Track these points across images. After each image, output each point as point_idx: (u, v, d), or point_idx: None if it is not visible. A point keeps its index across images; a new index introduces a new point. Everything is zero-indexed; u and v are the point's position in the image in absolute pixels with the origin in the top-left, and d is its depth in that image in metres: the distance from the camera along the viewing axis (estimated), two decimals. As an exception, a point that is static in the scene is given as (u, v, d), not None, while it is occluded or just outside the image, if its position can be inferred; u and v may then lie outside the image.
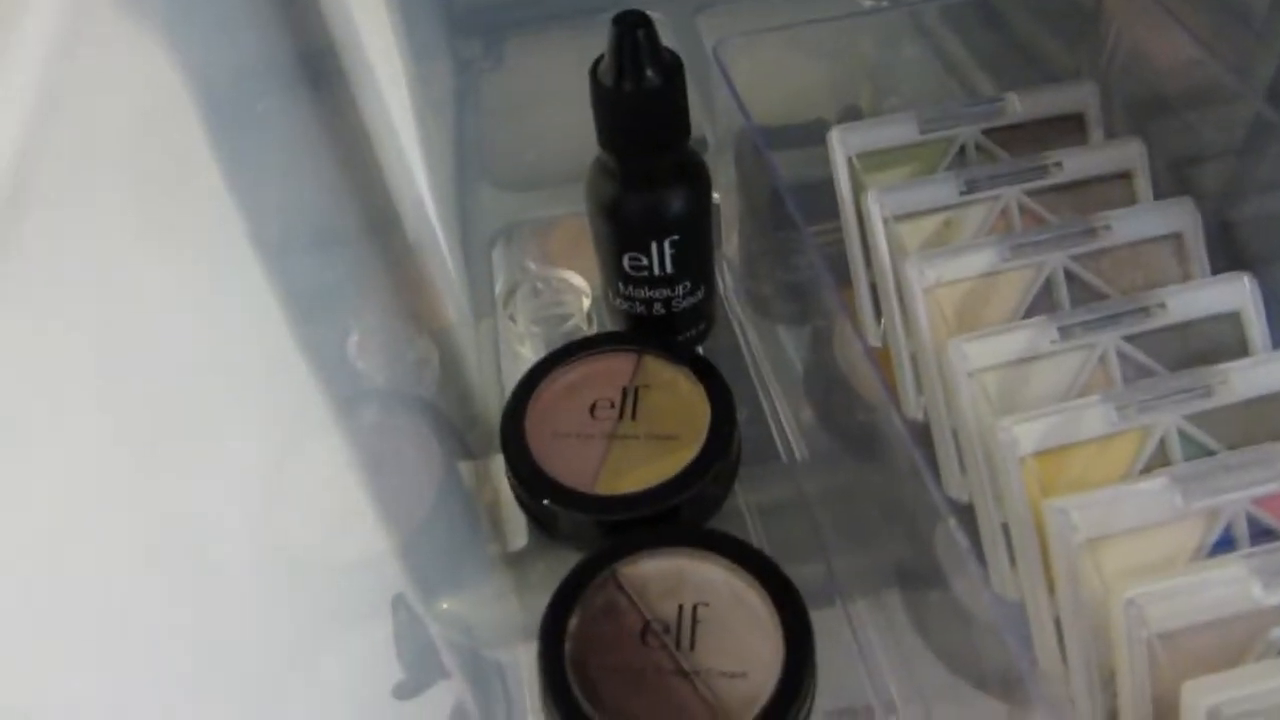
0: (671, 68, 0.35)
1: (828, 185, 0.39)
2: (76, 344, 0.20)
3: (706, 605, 0.33)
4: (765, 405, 0.40)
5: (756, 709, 0.30)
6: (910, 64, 0.48)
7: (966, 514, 0.34)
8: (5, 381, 0.17)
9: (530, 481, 0.36)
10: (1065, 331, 0.33)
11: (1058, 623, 0.30)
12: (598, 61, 0.35)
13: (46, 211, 0.19)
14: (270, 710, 0.26)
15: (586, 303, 0.43)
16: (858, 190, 0.38)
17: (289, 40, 0.36)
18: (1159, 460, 0.30)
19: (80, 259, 0.21)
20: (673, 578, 0.33)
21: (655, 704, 0.31)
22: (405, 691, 0.33)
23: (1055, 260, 0.35)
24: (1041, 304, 0.35)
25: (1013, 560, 0.32)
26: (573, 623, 0.32)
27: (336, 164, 0.39)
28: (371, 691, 0.33)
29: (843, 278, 0.40)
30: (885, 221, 0.36)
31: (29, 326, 0.19)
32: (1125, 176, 0.37)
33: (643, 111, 0.35)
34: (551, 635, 0.31)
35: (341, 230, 0.38)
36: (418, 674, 0.34)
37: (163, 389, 0.23)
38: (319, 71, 0.38)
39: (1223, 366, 0.31)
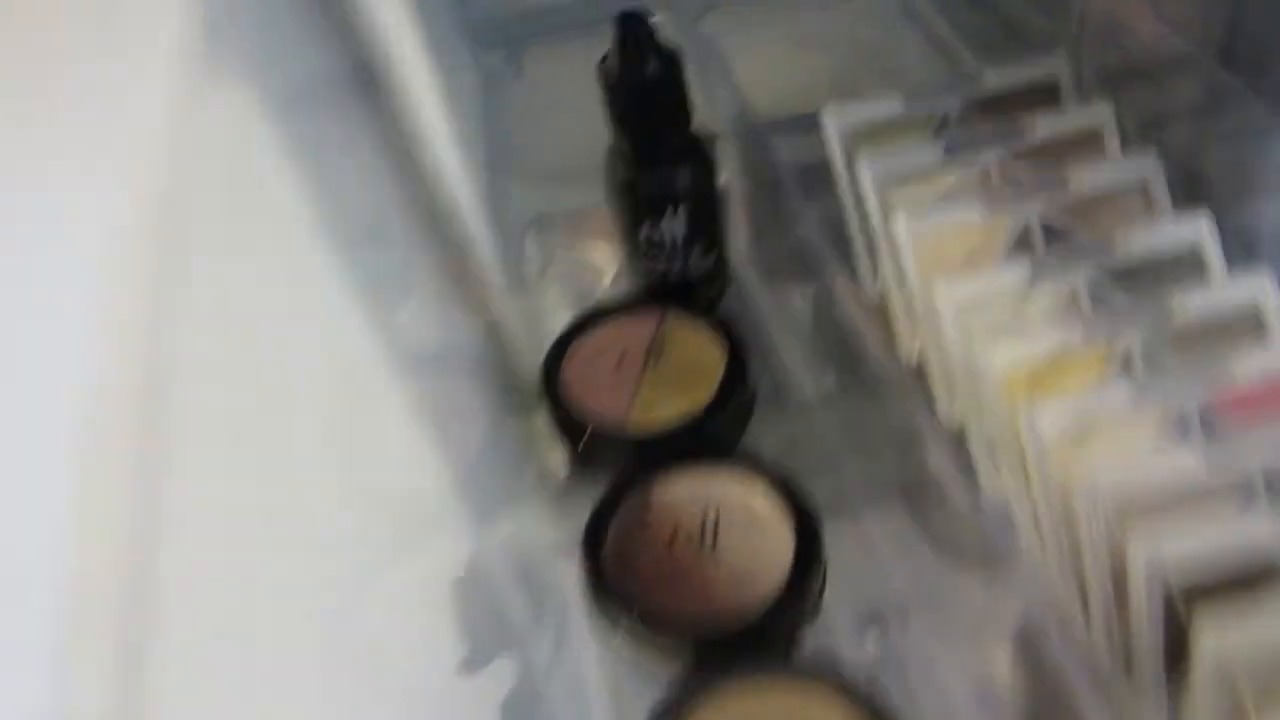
0: (669, 55, 0.39)
1: (827, 166, 0.43)
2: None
3: (726, 514, 0.37)
4: (775, 357, 0.45)
5: (770, 597, 0.34)
6: (901, 48, 0.52)
7: (959, 435, 0.39)
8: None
9: (568, 421, 0.40)
10: (1038, 270, 0.37)
11: (1037, 516, 0.34)
12: (605, 56, 0.40)
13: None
14: (351, 617, 0.30)
15: (611, 275, 0.48)
16: (850, 162, 0.42)
17: (341, 61, 0.41)
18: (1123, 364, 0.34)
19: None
20: (696, 493, 0.38)
21: (682, 599, 0.35)
22: (473, 665, 0.37)
23: (1030, 210, 0.39)
24: (1019, 252, 0.39)
25: (997, 467, 0.36)
26: (609, 535, 0.36)
27: (387, 166, 0.43)
28: (432, 608, 0.37)
29: (843, 242, 0.44)
30: (875, 185, 0.40)
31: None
32: (1095, 136, 0.41)
33: (646, 94, 0.40)
34: (591, 546, 0.36)
35: (394, 223, 0.43)
36: (482, 648, 0.37)
37: (271, 358, 0.28)
38: (366, 88, 0.43)
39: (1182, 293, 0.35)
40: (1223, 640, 0.26)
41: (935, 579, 0.38)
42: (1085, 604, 0.32)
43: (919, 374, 0.41)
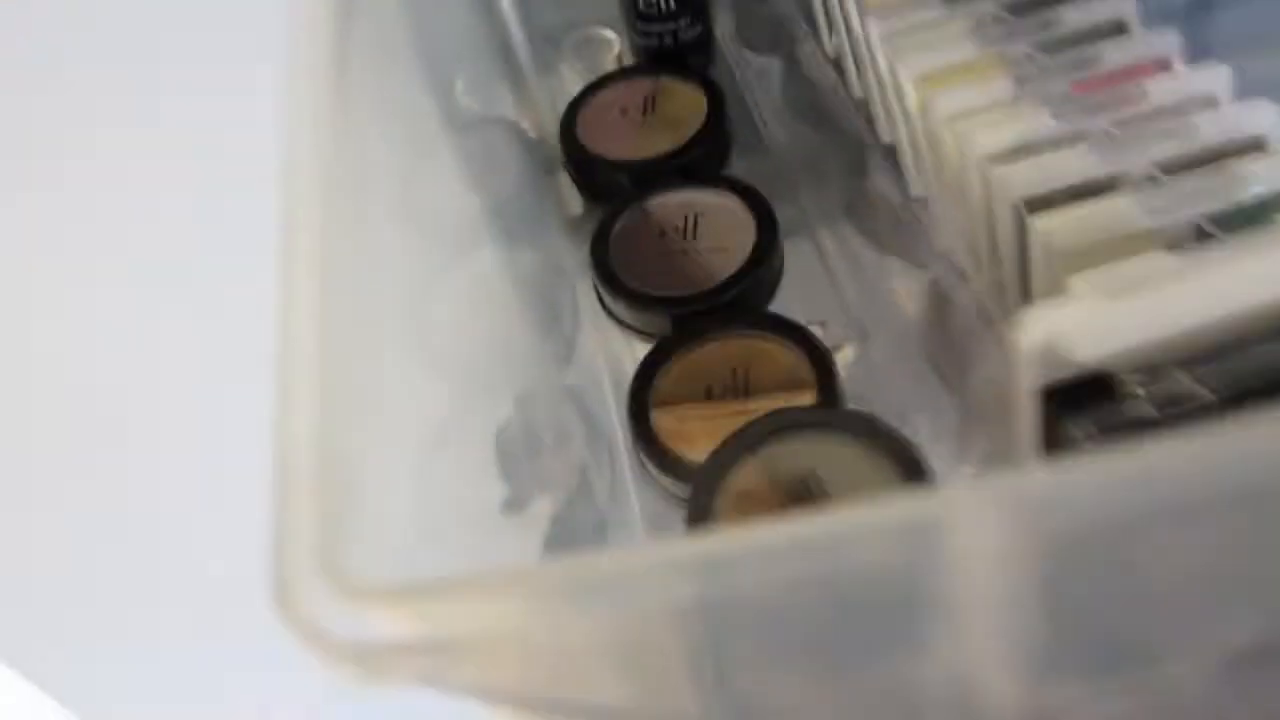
0: None
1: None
2: None
3: (704, 216, 0.47)
4: (753, 111, 0.54)
5: (735, 266, 0.44)
6: None
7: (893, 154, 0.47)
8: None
9: (581, 161, 0.50)
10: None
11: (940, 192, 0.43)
12: None
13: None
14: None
15: (616, 49, 0.57)
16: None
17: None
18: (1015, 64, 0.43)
19: None
20: (681, 202, 0.47)
21: (669, 271, 0.45)
22: (512, 507, 0.41)
23: (1018, 49, 0.47)
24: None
25: (920, 169, 0.45)
26: (614, 232, 0.46)
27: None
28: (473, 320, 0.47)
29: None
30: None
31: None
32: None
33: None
34: (599, 243, 0.46)
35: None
36: (522, 489, 0.43)
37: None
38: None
39: (1060, 10, 0.43)
40: (1048, 224, 0.35)
41: (877, 280, 0.48)
42: (975, 242, 0.41)
43: (865, 110, 0.49)
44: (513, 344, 0.47)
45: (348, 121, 0.29)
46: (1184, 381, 0.26)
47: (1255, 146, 0.37)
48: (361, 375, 0.27)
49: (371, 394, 0.28)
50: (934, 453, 0.37)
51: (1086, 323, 0.27)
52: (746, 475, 0.38)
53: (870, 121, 0.49)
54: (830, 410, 0.39)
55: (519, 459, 0.42)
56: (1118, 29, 0.43)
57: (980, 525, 0.14)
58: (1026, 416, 0.29)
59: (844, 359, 0.45)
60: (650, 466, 0.41)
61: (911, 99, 0.43)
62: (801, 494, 0.37)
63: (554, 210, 0.52)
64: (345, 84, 0.31)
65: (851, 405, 0.42)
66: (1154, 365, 0.27)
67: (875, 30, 0.45)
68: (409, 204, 0.42)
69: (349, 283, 0.26)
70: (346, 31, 0.32)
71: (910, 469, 0.36)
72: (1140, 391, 0.26)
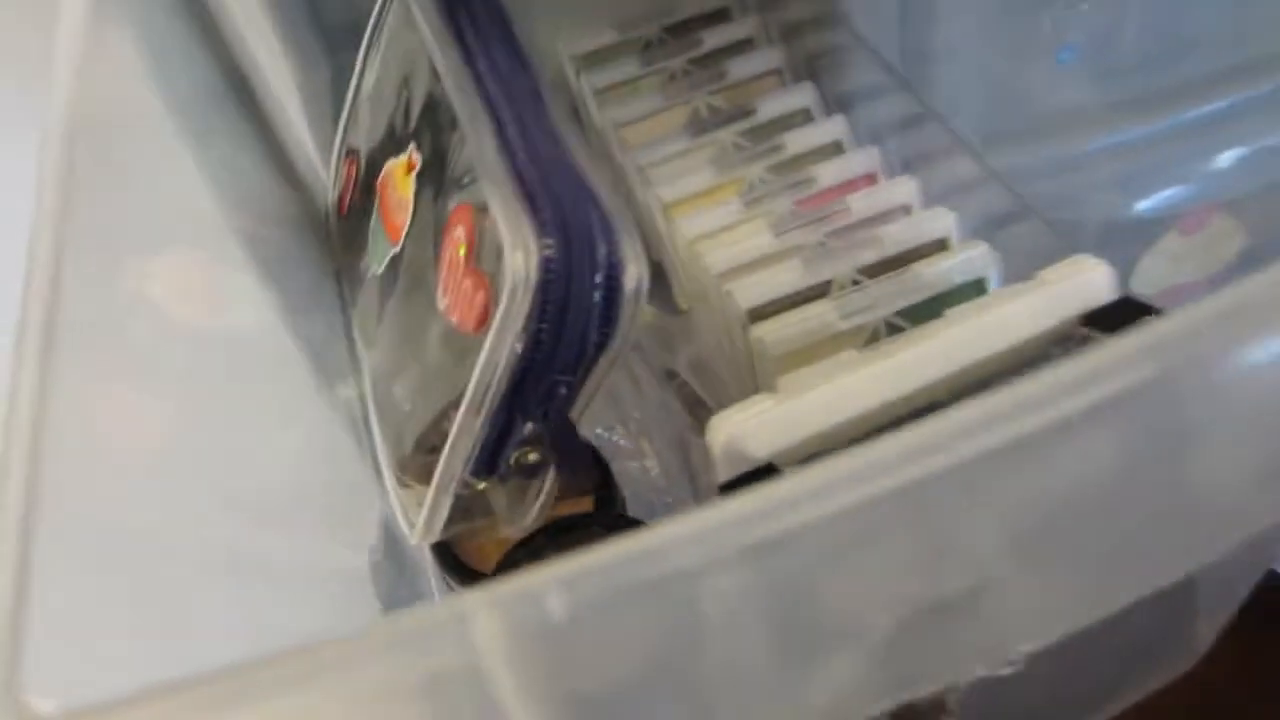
0: None
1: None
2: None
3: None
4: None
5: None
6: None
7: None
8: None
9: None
10: (698, 127, 0.51)
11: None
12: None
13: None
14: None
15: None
16: (578, 76, 0.56)
17: (215, 72, 0.54)
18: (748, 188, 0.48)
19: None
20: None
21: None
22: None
23: (700, 98, 0.53)
24: (694, 126, 0.53)
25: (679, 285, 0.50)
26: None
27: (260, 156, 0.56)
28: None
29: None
30: (591, 91, 0.55)
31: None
32: (751, 44, 0.55)
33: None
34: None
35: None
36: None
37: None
38: (240, 92, 0.55)
39: (787, 135, 0.49)
40: (761, 331, 0.40)
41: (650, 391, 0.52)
42: (720, 349, 0.46)
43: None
44: (336, 469, 0.50)
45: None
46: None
47: (940, 247, 0.43)
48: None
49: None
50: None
51: (758, 424, 0.32)
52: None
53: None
54: (601, 515, 0.44)
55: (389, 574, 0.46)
56: (835, 149, 0.49)
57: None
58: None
59: (627, 462, 0.49)
60: (448, 579, 0.45)
61: (663, 224, 0.48)
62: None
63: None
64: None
65: (632, 506, 0.46)
66: (812, 457, 0.32)
67: (632, 163, 0.51)
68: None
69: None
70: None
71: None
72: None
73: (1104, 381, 0.20)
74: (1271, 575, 0.42)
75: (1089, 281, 0.33)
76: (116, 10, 0.40)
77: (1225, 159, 0.60)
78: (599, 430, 0.50)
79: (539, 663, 0.18)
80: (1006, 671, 0.29)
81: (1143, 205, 0.62)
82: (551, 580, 0.17)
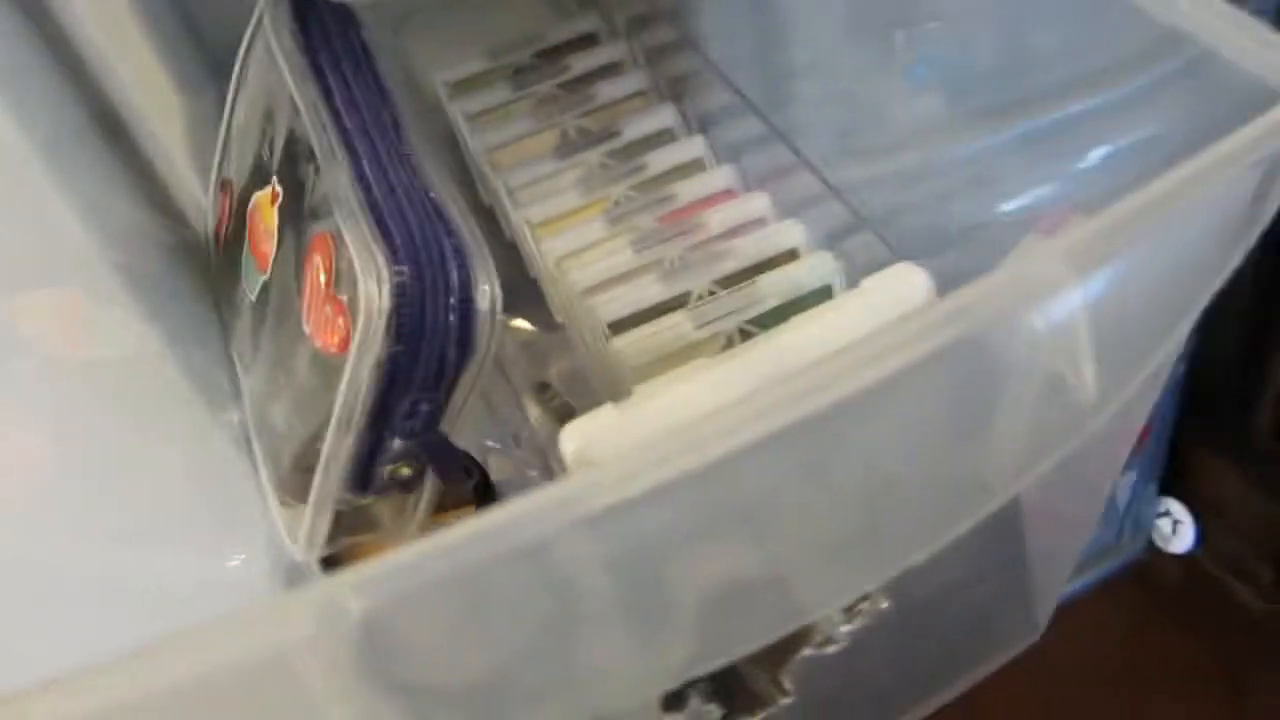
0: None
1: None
2: None
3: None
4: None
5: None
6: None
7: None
8: None
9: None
10: (566, 149, 0.53)
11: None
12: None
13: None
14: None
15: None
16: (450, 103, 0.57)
17: (79, 107, 0.54)
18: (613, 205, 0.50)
19: None
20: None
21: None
22: None
23: (569, 121, 0.55)
24: (563, 148, 0.55)
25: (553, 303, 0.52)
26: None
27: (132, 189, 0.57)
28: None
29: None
30: (465, 119, 0.56)
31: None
32: (617, 66, 0.58)
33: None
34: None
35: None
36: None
37: None
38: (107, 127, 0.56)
39: (650, 155, 0.51)
40: (621, 343, 0.42)
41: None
42: (590, 362, 0.48)
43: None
44: (222, 493, 0.51)
45: None
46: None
47: (790, 257, 0.45)
48: None
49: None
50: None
51: (603, 431, 0.34)
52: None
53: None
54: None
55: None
56: (696, 167, 0.51)
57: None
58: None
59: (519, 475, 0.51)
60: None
61: (533, 244, 0.50)
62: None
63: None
64: None
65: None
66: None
67: (504, 186, 0.52)
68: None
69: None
70: None
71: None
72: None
73: (888, 359, 0.22)
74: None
75: (910, 287, 0.36)
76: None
77: (1079, 162, 0.64)
78: (489, 442, 0.52)
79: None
80: (832, 650, 0.31)
81: (1003, 208, 0.65)
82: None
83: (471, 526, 0.19)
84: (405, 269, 0.36)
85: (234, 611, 0.20)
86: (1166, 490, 1.12)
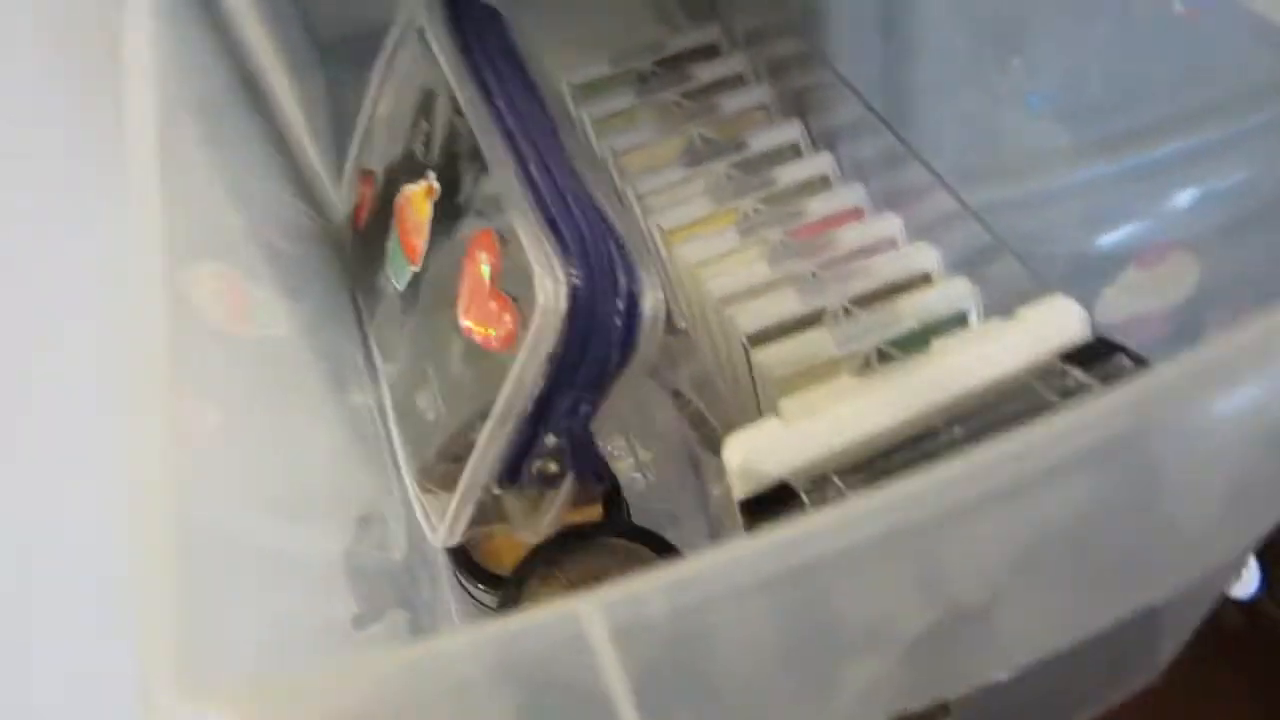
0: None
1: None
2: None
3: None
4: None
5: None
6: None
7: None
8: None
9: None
10: (693, 158, 0.54)
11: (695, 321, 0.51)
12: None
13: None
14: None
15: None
16: (577, 106, 0.59)
17: (230, 76, 0.55)
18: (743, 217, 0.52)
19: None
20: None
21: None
22: (364, 622, 0.43)
23: (693, 130, 0.56)
24: (689, 156, 0.56)
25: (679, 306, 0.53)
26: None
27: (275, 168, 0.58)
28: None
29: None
30: (591, 121, 0.58)
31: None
32: (738, 77, 0.59)
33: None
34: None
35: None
36: (374, 602, 0.48)
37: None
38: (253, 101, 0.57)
39: (777, 169, 0.52)
40: (764, 356, 0.43)
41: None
42: (720, 368, 0.49)
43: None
44: (351, 472, 0.52)
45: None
46: (839, 488, 0.35)
47: (924, 280, 0.46)
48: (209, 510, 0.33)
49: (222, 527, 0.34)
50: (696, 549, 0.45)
51: (770, 444, 0.36)
52: (548, 584, 0.45)
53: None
54: (611, 523, 0.47)
55: (370, 577, 0.48)
56: (823, 184, 0.52)
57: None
58: (739, 522, 0.36)
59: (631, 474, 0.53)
60: (464, 581, 0.47)
61: (663, 250, 0.51)
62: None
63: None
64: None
65: (636, 514, 0.49)
66: (822, 476, 0.35)
67: (631, 190, 0.54)
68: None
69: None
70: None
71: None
72: (806, 499, 0.34)
73: (1088, 432, 0.23)
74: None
75: (1066, 321, 0.37)
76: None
77: (1181, 199, 0.65)
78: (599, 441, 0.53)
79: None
80: (1002, 678, 0.32)
81: (1105, 240, 0.66)
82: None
83: (727, 552, 0.21)
84: (579, 271, 0.38)
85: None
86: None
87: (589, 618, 0.20)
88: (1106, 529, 0.25)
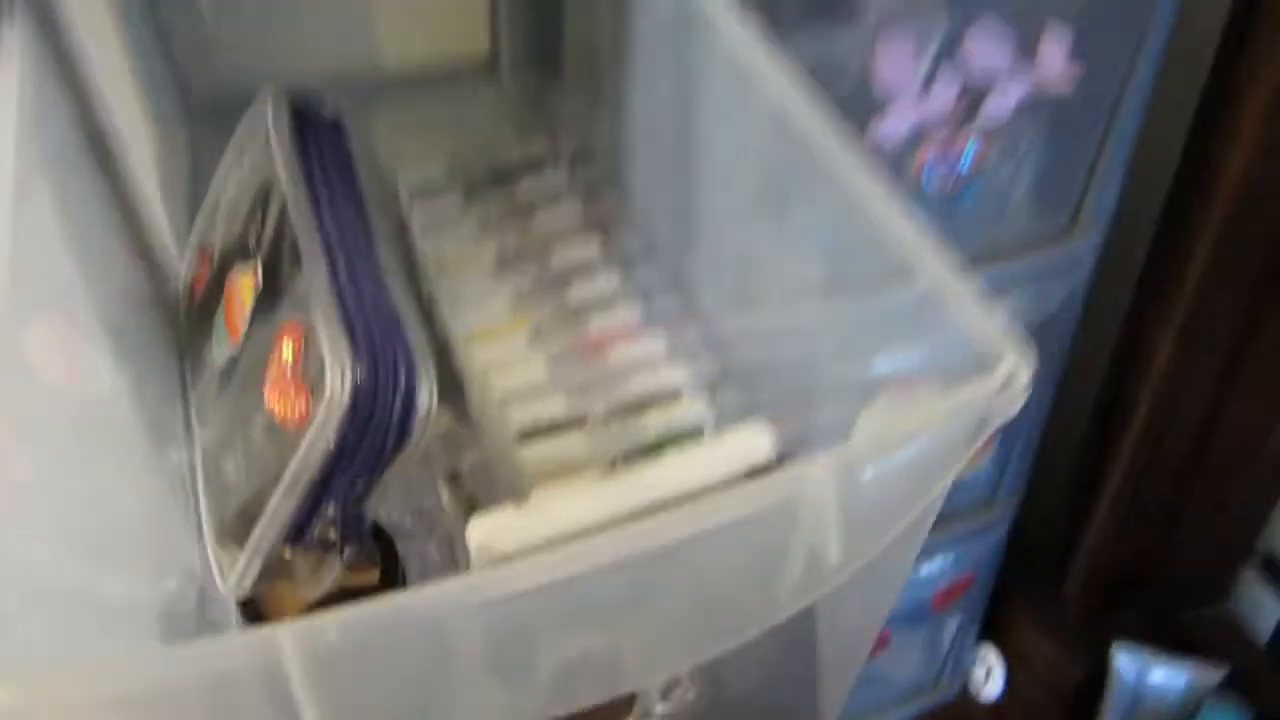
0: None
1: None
2: None
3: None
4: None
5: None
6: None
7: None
8: None
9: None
10: (503, 267, 0.62)
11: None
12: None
13: None
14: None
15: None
16: (410, 206, 0.66)
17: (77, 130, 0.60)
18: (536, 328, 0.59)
19: None
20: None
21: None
22: None
23: (509, 241, 0.64)
24: (499, 264, 0.64)
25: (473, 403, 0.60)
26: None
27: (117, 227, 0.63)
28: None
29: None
30: (421, 225, 0.65)
31: None
32: (558, 198, 0.67)
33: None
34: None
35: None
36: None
37: None
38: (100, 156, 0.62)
39: (573, 284, 0.61)
40: (529, 452, 0.51)
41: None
42: (497, 458, 0.57)
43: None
44: (164, 523, 0.57)
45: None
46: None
47: (673, 397, 0.55)
48: None
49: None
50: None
51: (504, 527, 0.43)
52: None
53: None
54: (383, 586, 0.53)
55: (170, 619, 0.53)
56: (605, 302, 0.61)
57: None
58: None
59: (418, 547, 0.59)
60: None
61: (460, 349, 0.59)
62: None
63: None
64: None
65: (418, 582, 0.56)
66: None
67: (443, 292, 0.61)
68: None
69: None
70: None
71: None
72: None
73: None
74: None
75: (754, 446, 0.46)
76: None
77: (931, 338, 0.75)
78: (394, 514, 0.60)
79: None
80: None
81: (866, 373, 0.75)
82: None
83: (398, 599, 0.28)
84: (365, 370, 0.45)
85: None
86: (987, 637, 1.22)
87: (281, 643, 0.27)
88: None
